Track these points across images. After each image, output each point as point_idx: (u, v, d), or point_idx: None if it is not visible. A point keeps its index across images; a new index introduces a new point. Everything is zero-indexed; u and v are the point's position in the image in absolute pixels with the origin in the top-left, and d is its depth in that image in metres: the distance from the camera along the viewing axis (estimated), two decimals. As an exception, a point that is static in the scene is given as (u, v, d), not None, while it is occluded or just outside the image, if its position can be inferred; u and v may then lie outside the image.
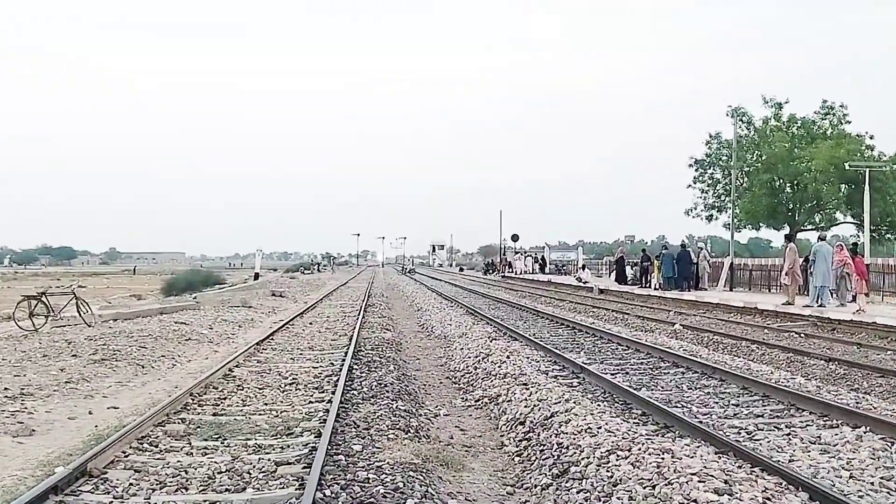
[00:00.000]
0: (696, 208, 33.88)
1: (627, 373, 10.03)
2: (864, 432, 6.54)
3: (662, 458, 5.40)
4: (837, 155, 26.78)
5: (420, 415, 8.06)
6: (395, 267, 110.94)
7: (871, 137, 28.79)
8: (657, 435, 6.46)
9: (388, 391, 8.66)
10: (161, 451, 6.24)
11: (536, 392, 8.24)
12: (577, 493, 5.21)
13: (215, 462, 5.86)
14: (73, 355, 11.20)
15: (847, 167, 25.76)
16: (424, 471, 5.71)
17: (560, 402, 7.52)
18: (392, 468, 5.58)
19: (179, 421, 7.27)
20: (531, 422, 7.25)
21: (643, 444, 5.83)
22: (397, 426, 7.03)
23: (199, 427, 7.04)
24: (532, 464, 6.21)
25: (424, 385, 10.20)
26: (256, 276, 45.48)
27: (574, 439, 6.24)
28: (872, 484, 5.27)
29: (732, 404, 7.89)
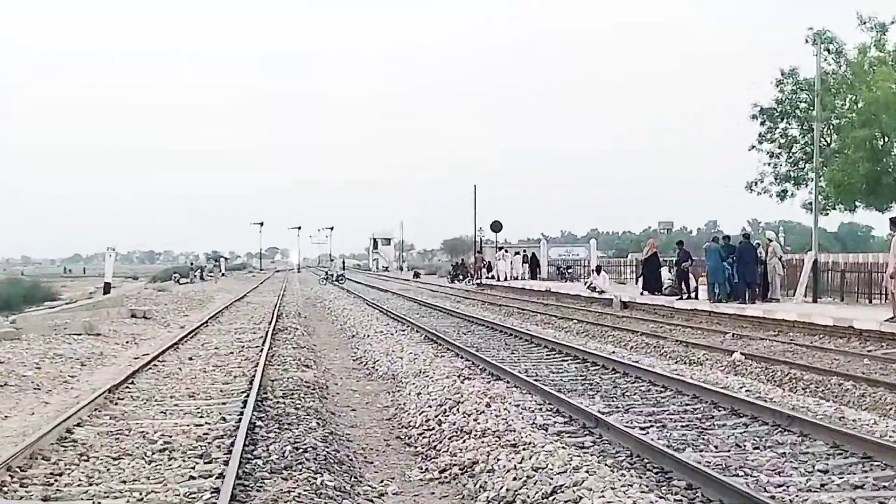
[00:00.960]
0: (762, 181, 34.11)
1: (664, 426, 10.10)
2: None
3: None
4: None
5: (357, 494, 8.05)
6: (317, 271, 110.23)
7: None
8: (710, 518, 6.52)
9: (308, 459, 8.63)
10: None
11: (531, 457, 8.26)
12: None
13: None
14: None
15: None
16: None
17: (566, 472, 7.55)
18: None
19: (-9, 510, 7.17)
20: (523, 502, 7.27)
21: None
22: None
23: (21, 519, 6.94)
24: (525, 565, 6.23)
25: (364, 449, 10.17)
26: (107, 289, 44.96)
27: (587, 527, 6.27)
28: None
29: (818, 471, 7.99)
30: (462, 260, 74.32)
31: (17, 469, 8.39)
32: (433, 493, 8.40)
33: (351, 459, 9.41)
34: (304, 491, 7.46)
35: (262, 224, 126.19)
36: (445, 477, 8.84)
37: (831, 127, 31.60)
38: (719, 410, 10.95)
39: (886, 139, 29.96)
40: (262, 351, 17.77)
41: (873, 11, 30.97)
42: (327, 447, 9.38)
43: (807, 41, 31.74)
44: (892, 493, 7.26)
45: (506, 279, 52.76)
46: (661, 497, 6.99)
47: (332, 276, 72.16)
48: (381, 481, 8.77)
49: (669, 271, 33.58)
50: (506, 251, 59.06)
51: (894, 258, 20.16)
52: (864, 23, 31.26)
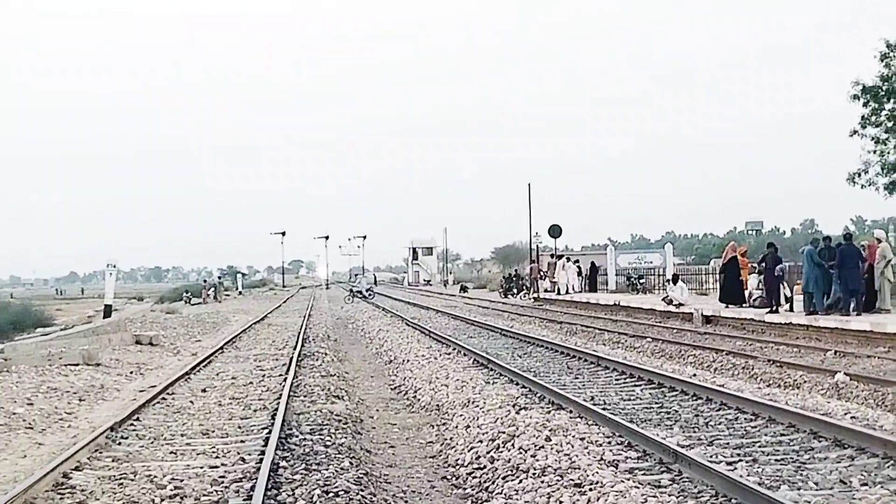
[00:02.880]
0: (866, 171, 33.83)
1: (756, 460, 10.04)
2: None
3: None
4: None
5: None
6: (347, 286, 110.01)
7: None
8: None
9: (340, 505, 8.67)
10: None
11: (599, 498, 8.27)
12: None
13: None
14: None
15: None
16: None
17: (639, 516, 7.53)
18: None
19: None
20: (591, 551, 7.27)
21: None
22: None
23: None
24: None
25: (405, 492, 10.20)
26: (108, 311, 45.35)
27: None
28: None
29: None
30: (516, 271, 73.96)
31: (7, 520, 8.49)
32: (487, 543, 8.41)
33: (390, 505, 9.43)
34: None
35: (283, 234, 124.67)
36: (502, 525, 8.84)
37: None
38: (820, 441, 10.86)
39: None
40: (285, 380, 17.85)
41: None
42: (361, 490, 9.41)
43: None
44: None
45: (567, 292, 52.55)
46: (752, 543, 6.94)
47: (360, 292, 70.63)
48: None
49: (757, 279, 33.32)
50: (566, 259, 58.36)
51: None
52: None
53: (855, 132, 33.55)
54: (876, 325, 23.77)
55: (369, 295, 67.30)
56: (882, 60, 33.04)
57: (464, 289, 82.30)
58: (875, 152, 33.27)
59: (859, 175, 33.78)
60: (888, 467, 9.46)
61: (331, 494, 9.01)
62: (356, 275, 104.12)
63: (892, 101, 33.07)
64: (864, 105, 33.37)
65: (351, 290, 74.34)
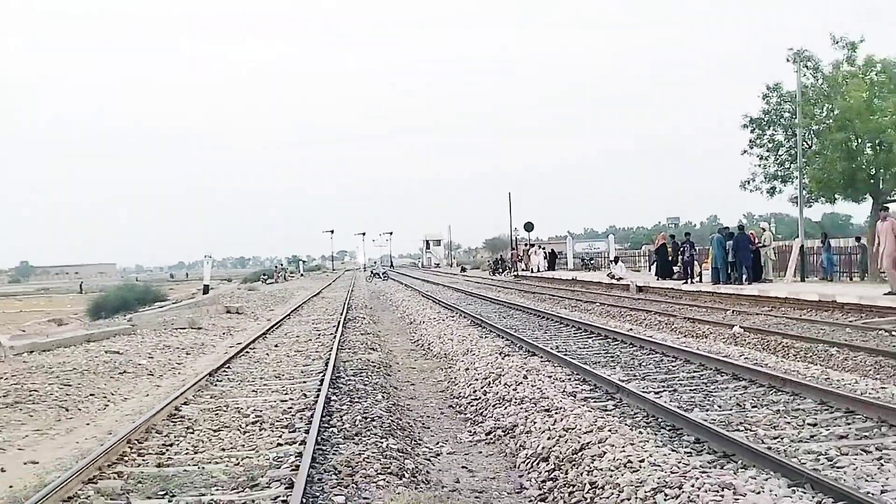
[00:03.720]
0: (753, 180, 33.72)
1: (675, 390, 10.04)
2: (975, 452, 6.57)
3: (722, 496, 5.43)
4: (929, 105, 26.81)
5: (417, 455, 8.08)
6: (378, 269, 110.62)
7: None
8: (715, 466, 6.48)
9: (375, 426, 8.67)
10: (93, 514, 6.25)
11: (562, 419, 8.26)
12: (618, 543, 5.23)
13: (161, 526, 5.87)
14: (-22, 399, 11.20)
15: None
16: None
17: (592, 431, 7.54)
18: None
19: (115, 476, 7.28)
20: (557, 457, 7.27)
21: (697, 478, 5.85)
22: (388, 470, 7.04)
23: (140, 482, 7.04)
24: (560, 510, 6.23)
25: (422, 416, 10.22)
26: (206, 290, 45.44)
27: (611, 476, 6.26)
28: None
29: (808, 424, 7.92)
30: (501, 256, 74.06)
31: (136, 441, 8.51)
32: (480, 452, 8.42)
33: (411, 426, 9.45)
34: (373, 453, 7.50)
35: (332, 231, 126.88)
36: (491, 438, 8.86)
37: (811, 132, 31.20)
38: (722, 376, 10.87)
39: (859, 141, 29.57)
40: (335, 337, 17.86)
41: (845, 32, 30.71)
42: (391, 416, 9.43)
43: (788, 60, 31.66)
44: (872, 441, 7.18)
45: (538, 271, 52.81)
46: (673, 451, 6.94)
47: (378, 272, 72.85)
48: (437, 443, 8.80)
49: (679, 258, 33.50)
50: (537, 247, 59.16)
51: (883, 239, 19.96)
52: (837, 42, 31.08)
53: (745, 151, 33.50)
54: (762, 290, 23.80)
55: (384, 277, 67.59)
56: (763, 99, 33.02)
57: (463, 269, 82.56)
58: (759, 166, 33.20)
59: (749, 182, 33.65)
60: (771, 394, 9.46)
61: (368, 419, 9.02)
62: (374, 262, 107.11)
63: (770, 129, 33.06)
64: (751, 132, 33.33)
65: (372, 272, 76.60)
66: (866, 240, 29.52)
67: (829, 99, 30.68)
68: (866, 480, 6.09)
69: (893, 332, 15.01)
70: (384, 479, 6.75)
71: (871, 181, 30.09)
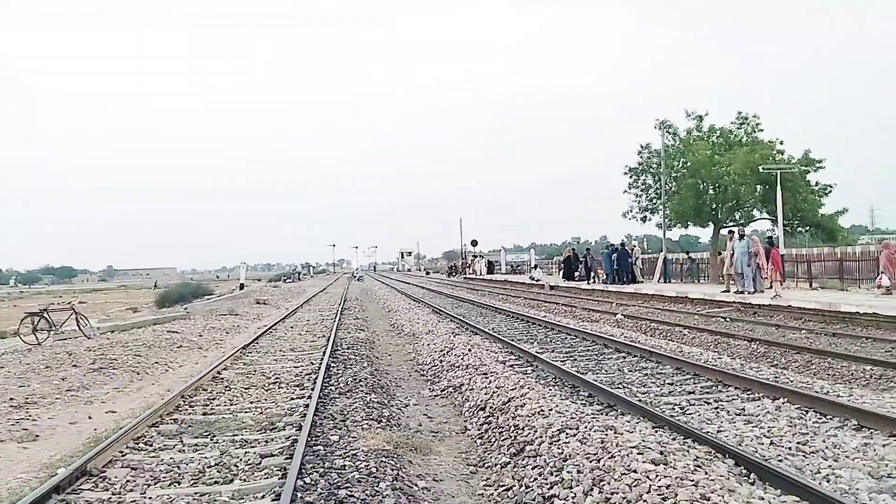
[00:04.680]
0: (631, 211, 34.10)
1: (575, 359, 10.08)
2: (783, 403, 6.67)
3: (606, 435, 5.45)
4: (752, 159, 27.22)
5: (392, 405, 8.03)
6: (368, 273, 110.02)
7: (781, 143, 29.29)
8: (602, 414, 6.51)
9: (362, 386, 8.61)
10: (155, 449, 6.13)
11: (495, 380, 8.25)
12: (532, 468, 5.23)
13: (205, 458, 5.77)
14: (73, 365, 10.93)
15: (761, 170, 26.35)
16: (395, 456, 5.69)
17: (516, 389, 7.54)
18: (366, 455, 5.56)
19: (172, 421, 7.15)
20: (491, 407, 7.26)
21: (589, 422, 5.87)
22: (370, 417, 6.99)
23: (190, 426, 6.92)
24: (492, 445, 6.22)
25: (396, 378, 10.15)
26: (241, 287, 44.76)
27: (528, 421, 6.26)
28: (790, 448, 5.39)
29: (668, 383, 7.99)
30: (454, 263, 74.00)
31: (188, 396, 8.36)
32: (437, 403, 8.38)
33: (388, 385, 9.39)
34: (360, 405, 7.45)
35: (334, 245, 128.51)
36: (444, 393, 8.82)
37: (671, 178, 31.65)
38: (608, 349, 10.93)
39: (704, 184, 30.08)
40: (335, 321, 17.71)
41: (694, 108, 31.41)
42: (374, 378, 9.36)
43: (655, 127, 32.20)
44: (712, 395, 7.26)
45: (480, 274, 52.81)
46: (572, 403, 6.97)
47: (356, 276, 71.96)
48: (406, 397, 8.74)
49: (580, 266, 33.81)
50: (480, 257, 59.30)
51: (729, 255, 20.30)
52: (689, 115, 31.71)
53: (625, 191, 33.85)
54: (637, 289, 24.01)
55: (360, 279, 66.60)
56: (638, 154, 33.45)
57: (427, 273, 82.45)
58: (635, 202, 33.56)
59: (628, 213, 34.01)
60: (643, 362, 9.54)
61: (357, 380, 8.96)
62: (360, 267, 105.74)
63: (643, 175, 33.46)
64: (630, 177, 33.71)
65: (352, 275, 77.01)
66: (709, 253, 30.05)
67: (684, 154, 31.18)
68: (707, 423, 6.16)
69: (727, 319, 15.22)
70: (367, 423, 6.70)
71: (713, 213, 30.63)
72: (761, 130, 30.20)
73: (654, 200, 33.03)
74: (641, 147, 33.49)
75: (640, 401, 6.92)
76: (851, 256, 24.21)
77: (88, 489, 5.12)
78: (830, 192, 28.42)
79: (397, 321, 18.68)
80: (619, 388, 7.76)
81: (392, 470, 5.28)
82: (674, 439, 5.45)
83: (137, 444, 6.29)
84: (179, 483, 5.18)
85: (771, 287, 19.00)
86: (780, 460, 5.09)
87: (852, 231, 44.63)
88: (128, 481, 5.23)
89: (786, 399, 6.77)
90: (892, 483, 4.58)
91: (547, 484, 4.85)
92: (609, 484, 4.53)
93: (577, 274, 33.65)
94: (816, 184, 28.49)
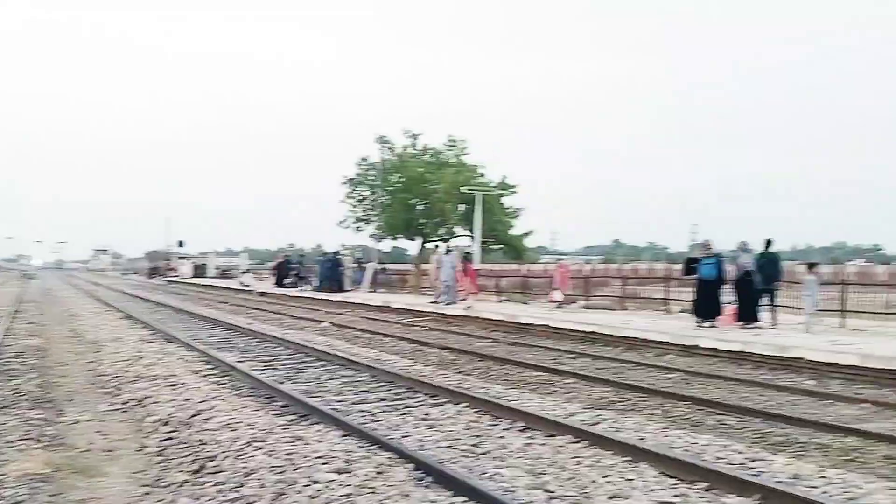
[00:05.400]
0: (346, 220, 34.95)
1: (276, 368, 9.92)
2: (463, 408, 7.23)
3: (294, 445, 5.42)
4: (458, 180, 29.60)
5: (59, 423, 7.12)
6: (52, 271, 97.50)
7: (483, 167, 32.32)
8: (294, 424, 6.45)
9: (24, 401, 7.53)
10: None
11: (185, 392, 7.78)
12: (213, 486, 4.97)
13: None
14: None
15: (464, 190, 28.76)
16: (53, 480, 5.05)
17: (206, 401, 7.18)
18: (17, 481, 4.85)
19: None
20: (176, 421, 6.80)
21: (279, 433, 5.79)
22: (30, 436, 6.13)
23: None
24: (172, 463, 5.80)
25: (69, 392, 9.04)
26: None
27: (215, 435, 5.98)
28: (464, 450, 5.83)
29: (363, 391, 8.22)
30: (157, 264, 68.77)
31: None
32: (115, 418, 7.60)
33: (57, 399, 8.30)
34: (18, 423, 6.52)
35: (10, 238, 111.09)
36: (125, 408, 8.05)
37: (387, 192, 33.02)
38: (310, 357, 10.95)
39: (415, 200, 31.92)
40: (4, 326, 15.33)
41: (410, 128, 33.28)
42: (41, 391, 8.26)
43: (375, 141, 33.43)
44: (402, 401, 7.61)
45: (184, 277, 49.94)
46: (266, 414, 6.82)
47: (28, 275, 62.86)
48: (79, 412, 7.81)
49: (291, 273, 33.63)
50: (186, 259, 56.06)
51: (435, 267, 21.58)
52: (406, 133, 33.39)
53: (342, 200, 34.51)
54: (345, 297, 24.55)
55: (34, 277, 58.01)
56: (357, 165, 34.40)
57: (125, 273, 75.61)
58: (352, 212, 34.37)
59: (343, 222, 34.66)
60: (342, 370, 9.70)
61: (19, 394, 7.86)
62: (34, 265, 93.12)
63: (360, 187, 34.44)
64: (348, 188, 34.47)
65: (23, 274, 66.08)
66: (414, 265, 31.93)
67: (399, 170, 32.74)
68: (393, 429, 6.42)
69: (425, 328, 16.19)
70: (24, 444, 5.86)
71: (420, 227, 32.60)
72: (467, 154, 32.93)
73: (369, 212, 34.16)
74: (361, 160, 34.49)
75: (333, 409, 6.99)
76: (534, 273, 27.42)
77: None
78: (519, 215, 32.02)
79: (80, 327, 16.75)
80: (314, 396, 7.77)
81: (47, 497, 4.66)
82: (360, 447, 5.58)
83: None
84: None
85: (465, 299, 20.67)
86: (454, 462, 5.47)
87: (537, 251, 50.69)
88: None
89: (466, 404, 7.34)
90: (546, 479, 5.17)
91: (227, 501, 4.66)
92: (290, 497, 4.49)
93: (286, 280, 33.43)
94: (510, 207, 31.87)
